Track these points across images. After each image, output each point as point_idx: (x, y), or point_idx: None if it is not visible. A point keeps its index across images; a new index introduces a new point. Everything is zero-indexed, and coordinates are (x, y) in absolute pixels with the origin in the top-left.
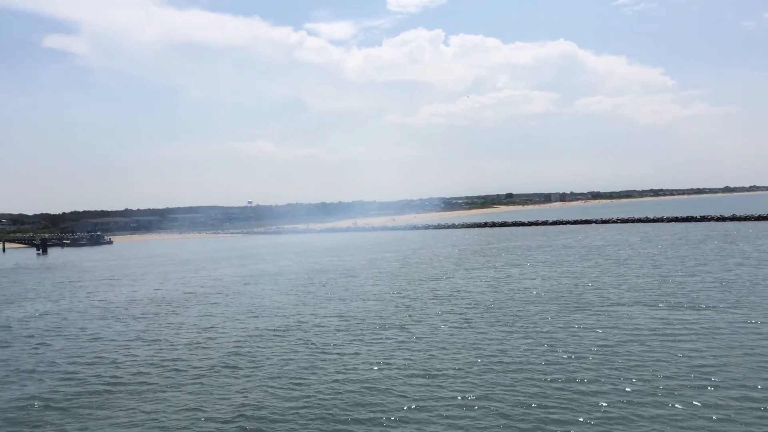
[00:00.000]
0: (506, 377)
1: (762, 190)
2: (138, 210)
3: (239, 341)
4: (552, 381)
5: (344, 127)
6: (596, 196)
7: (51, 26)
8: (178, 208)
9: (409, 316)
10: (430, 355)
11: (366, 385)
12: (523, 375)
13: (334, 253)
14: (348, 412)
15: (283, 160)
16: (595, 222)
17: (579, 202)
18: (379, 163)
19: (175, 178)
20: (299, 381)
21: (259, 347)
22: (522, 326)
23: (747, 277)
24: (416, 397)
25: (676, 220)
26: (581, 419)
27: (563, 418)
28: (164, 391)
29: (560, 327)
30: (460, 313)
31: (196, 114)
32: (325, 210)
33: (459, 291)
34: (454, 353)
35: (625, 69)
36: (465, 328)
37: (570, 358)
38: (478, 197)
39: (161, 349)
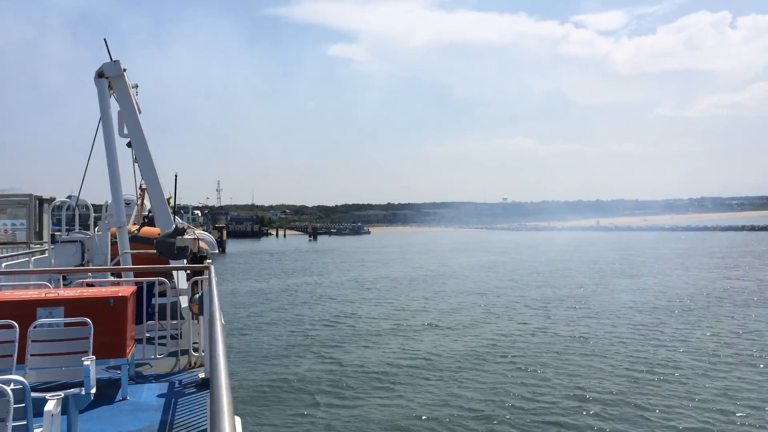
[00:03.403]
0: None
1: None
2: (398, 204)
3: (452, 312)
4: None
5: (610, 121)
6: None
7: (335, 36)
8: (432, 204)
9: (586, 300)
10: (583, 338)
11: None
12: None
13: (562, 249)
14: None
15: (543, 157)
16: None
17: None
18: (646, 159)
19: (437, 174)
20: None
21: (463, 318)
22: (701, 320)
23: None
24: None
25: None
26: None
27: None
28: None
29: (736, 323)
30: (640, 306)
31: (460, 111)
32: (579, 208)
33: (655, 287)
34: (594, 339)
35: None
36: (640, 318)
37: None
38: (760, 198)
39: (398, 319)
